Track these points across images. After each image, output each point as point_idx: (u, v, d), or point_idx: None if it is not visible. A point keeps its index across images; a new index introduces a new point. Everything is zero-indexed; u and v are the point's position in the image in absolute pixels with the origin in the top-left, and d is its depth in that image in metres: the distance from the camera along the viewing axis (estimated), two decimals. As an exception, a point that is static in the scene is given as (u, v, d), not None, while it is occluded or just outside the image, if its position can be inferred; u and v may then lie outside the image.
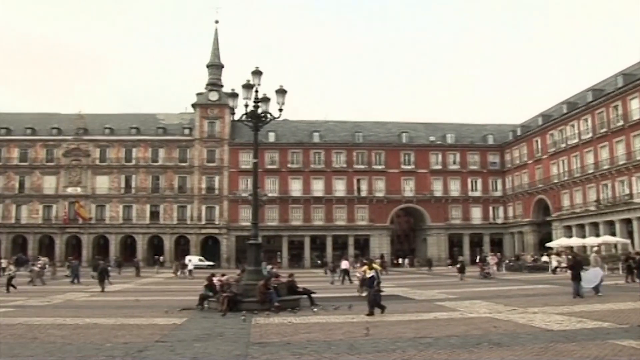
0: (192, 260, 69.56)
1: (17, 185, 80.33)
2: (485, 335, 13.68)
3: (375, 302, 18.87)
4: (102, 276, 34.52)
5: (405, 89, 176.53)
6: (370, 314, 18.37)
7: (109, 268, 39.41)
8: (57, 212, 79.44)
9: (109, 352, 11.95)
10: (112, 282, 37.14)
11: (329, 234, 78.43)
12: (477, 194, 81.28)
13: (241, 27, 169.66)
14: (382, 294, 19.76)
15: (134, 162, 80.00)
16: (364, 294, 27.18)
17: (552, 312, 18.23)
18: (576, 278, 23.80)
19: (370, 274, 19.87)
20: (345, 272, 38.59)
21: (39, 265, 42.27)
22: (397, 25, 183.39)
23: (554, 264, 47.74)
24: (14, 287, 31.29)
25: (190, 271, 50.97)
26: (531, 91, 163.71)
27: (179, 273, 50.63)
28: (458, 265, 43.45)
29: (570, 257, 34.08)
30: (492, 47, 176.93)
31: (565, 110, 67.11)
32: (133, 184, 79.78)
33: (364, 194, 79.20)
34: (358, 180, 79.72)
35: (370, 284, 19.42)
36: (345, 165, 79.59)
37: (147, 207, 79.51)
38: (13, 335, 14.80)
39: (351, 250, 75.87)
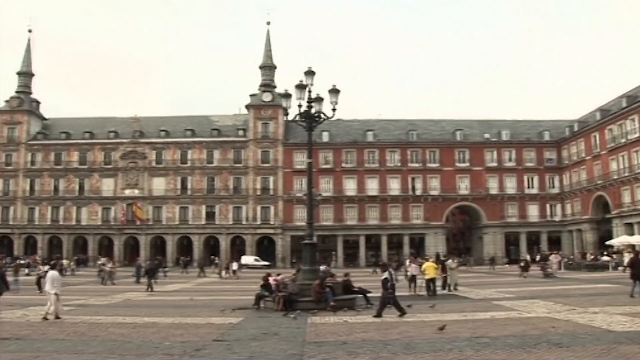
0: (247, 259, 70.42)
1: (77, 187, 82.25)
2: (544, 336, 13.44)
3: (393, 303, 18.62)
4: (150, 276, 35.22)
5: (459, 86, 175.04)
6: (378, 315, 18.11)
7: (162, 268, 40.02)
8: (116, 213, 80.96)
9: (167, 350, 12.12)
10: (157, 282, 37.67)
11: (384, 233, 78.04)
12: (534, 191, 79.84)
13: (293, 27, 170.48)
14: (396, 295, 19.37)
15: (189, 164, 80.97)
16: (422, 293, 27.10)
17: (614, 313, 17.75)
18: (636, 277, 23.12)
19: (384, 275, 19.66)
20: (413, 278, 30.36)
21: (109, 266, 42.99)
22: (450, 22, 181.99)
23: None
24: (40, 288, 31.55)
25: (234, 271, 51.06)
26: (588, 85, 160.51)
27: (223, 274, 50.56)
28: (522, 264, 42.80)
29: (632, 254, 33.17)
30: (546, 41, 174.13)
31: (624, 104, 65.52)
32: (189, 185, 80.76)
33: (418, 192, 78.64)
34: (412, 179, 79.16)
35: (383, 286, 19.08)
36: (399, 164, 79.14)
37: (203, 208, 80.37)
38: (76, 332, 15.17)
39: (406, 250, 75.33)
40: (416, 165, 79.11)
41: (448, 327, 14.84)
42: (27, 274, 44.94)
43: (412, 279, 28.95)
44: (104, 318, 18.34)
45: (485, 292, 28.00)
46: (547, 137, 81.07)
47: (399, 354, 11.49)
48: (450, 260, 30.00)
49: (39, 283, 31.70)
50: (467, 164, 79.17)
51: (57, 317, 18.05)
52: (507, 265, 61.84)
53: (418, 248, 76.29)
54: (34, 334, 14.82)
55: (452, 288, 29.21)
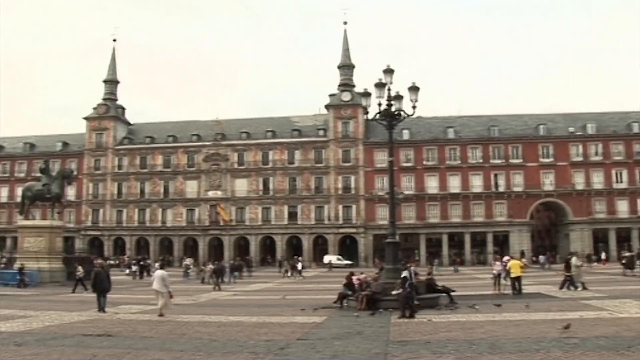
0: (330, 258, 70.37)
1: (162, 190, 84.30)
2: (638, 337, 12.87)
3: (407, 303, 18.30)
4: (218, 276, 35.94)
5: (541, 79, 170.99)
6: (403, 316, 17.85)
7: (248, 268, 40.50)
8: (200, 215, 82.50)
9: (252, 349, 12.26)
10: (237, 282, 38.20)
11: (467, 230, 76.99)
12: (623, 186, 76.96)
13: (370, 26, 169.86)
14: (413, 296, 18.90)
15: (271, 165, 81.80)
16: (506, 291, 26.62)
17: None
18: None
19: (403, 274, 19.29)
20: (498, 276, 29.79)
21: (209, 267, 43.82)
22: (531, 13, 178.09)
23: None
24: (85, 287, 31.84)
25: (300, 272, 50.91)
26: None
27: (289, 274, 50.28)
28: (624, 261, 41.46)
29: None
30: (633, 29, 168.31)
31: None
32: (271, 186, 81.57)
33: (501, 189, 77.22)
34: (495, 175, 77.77)
35: (402, 285, 18.73)
36: (481, 160, 77.89)
37: (285, 208, 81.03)
38: (164, 331, 15.57)
39: (490, 248, 74.28)
40: (498, 161, 77.66)
41: (534, 326, 14.52)
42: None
43: (497, 278, 28.44)
44: (190, 317, 18.72)
45: (571, 291, 27.21)
46: (636, 129, 78.00)
47: (484, 354, 11.30)
48: (574, 259, 28.88)
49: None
50: (552, 159, 77.17)
51: (161, 315, 18.71)
52: (595, 263, 59.84)
53: (502, 246, 74.99)
54: (125, 331, 15.26)
55: (579, 287, 27.60)
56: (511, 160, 77.41)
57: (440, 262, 64.47)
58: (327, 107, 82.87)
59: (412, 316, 17.82)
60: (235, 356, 11.47)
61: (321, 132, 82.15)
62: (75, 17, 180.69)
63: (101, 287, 20.47)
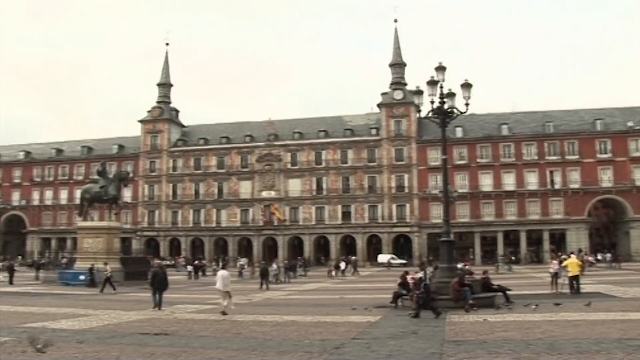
0: (384, 257, 70.08)
1: (216, 190, 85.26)
2: None
3: (425, 304, 18.19)
4: (263, 276, 36.52)
5: (597, 72, 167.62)
6: (416, 315, 17.79)
7: (304, 267, 40.66)
8: (254, 215, 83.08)
9: (307, 348, 12.27)
10: (271, 281, 38.42)
11: (523, 229, 75.78)
12: (687, 181, 74.96)
13: (420, 23, 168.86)
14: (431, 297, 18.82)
15: (323, 164, 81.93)
16: (564, 290, 26.16)
17: None
18: None
19: (419, 274, 19.06)
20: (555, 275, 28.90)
21: (275, 266, 44.19)
22: (584, 7, 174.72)
23: None
24: (113, 287, 32.40)
25: (343, 271, 50.66)
26: None
27: (333, 274, 49.72)
28: None
29: None
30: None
31: None
32: (324, 186, 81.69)
33: (557, 186, 75.82)
34: (551, 172, 76.37)
35: (416, 286, 18.73)
36: (536, 157, 76.54)
37: (339, 208, 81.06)
38: (219, 330, 15.69)
39: (546, 246, 73.08)
40: (554, 157, 76.25)
41: (594, 327, 14.22)
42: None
43: (554, 277, 27.96)
44: (245, 316, 18.84)
45: (634, 290, 26.58)
46: (699, 122, 75.92)
47: (542, 355, 11.06)
48: None
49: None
50: (609, 155, 75.38)
51: (224, 314, 18.99)
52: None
53: (559, 244, 73.61)
54: (181, 330, 15.43)
55: None
56: (567, 157, 75.91)
57: (509, 260, 63.39)
58: (379, 105, 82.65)
59: (418, 312, 17.97)
60: (289, 355, 11.49)
61: (374, 131, 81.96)
62: (129, 23, 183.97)
63: (158, 286, 21.38)
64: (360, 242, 79.30)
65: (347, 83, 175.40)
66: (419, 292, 18.61)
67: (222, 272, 20.45)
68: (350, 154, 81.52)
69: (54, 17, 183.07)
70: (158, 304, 21.15)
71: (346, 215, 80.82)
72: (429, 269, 19.55)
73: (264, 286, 35.20)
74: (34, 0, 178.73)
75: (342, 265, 52.97)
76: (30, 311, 19.82)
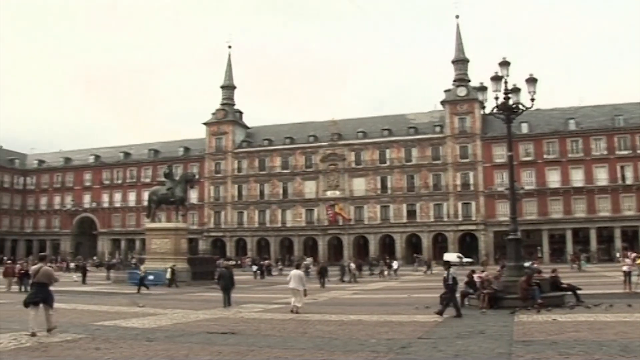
0: (450, 256, 69.27)
1: (281, 191, 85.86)
2: None
3: (449, 302, 18.09)
4: (322, 275, 37.15)
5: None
6: (439, 313, 17.78)
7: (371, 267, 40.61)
8: (319, 215, 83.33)
9: (373, 347, 12.19)
10: (330, 280, 38.49)
11: (592, 226, 73.76)
12: None
13: (482, 18, 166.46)
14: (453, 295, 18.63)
15: (388, 163, 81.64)
16: (638, 290, 25.42)
17: None
18: None
19: (444, 273, 18.77)
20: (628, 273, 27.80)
21: (352, 266, 44.28)
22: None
23: None
24: (147, 287, 32.62)
25: (395, 271, 49.75)
26: None
27: (385, 273, 48.89)
28: None
29: None
30: None
31: None
32: (389, 185, 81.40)
33: (629, 181, 73.56)
34: (622, 167, 74.12)
35: (444, 284, 18.50)
36: (606, 152, 74.42)
37: (404, 207, 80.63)
38: (285, 329, 15.73)
39: (618, 243, 71.11)
40: (625, 152, 73.96)
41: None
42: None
43: (627, 275, 27.13)
44: (311, 316, 18.86)
45: None
46: None
47: (615, 357, 10.70)
48: None
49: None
50: (685, 148, 73.00)
51: (297, 312, 19.25)
52: None
53: (632, 241, 71.50)
54: (248, 330, 15.54)
55: None
56: (639, 151, 73.84)
57: (588, 257, 61.96)
58: (442, 103, 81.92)
59: (441, 311, 17.90)
60: (356, 355, 11.44)
61: (437, 129, 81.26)
62: (192, 27, 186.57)
63: (225, 285, 22.63)
64: (426, 241, 78.74)
65: (410, 81, 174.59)
66: (443, 292, 18.64)
67: (295, 272, 20.73)
68: (415, 152, 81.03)
69: (119, 24, 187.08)
70: (227, 303, 22.13)
71: (411, 213, 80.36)
72: (452, 269, 19.28)
73: (322, 286, 35.61)
74: (100, 8, 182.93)
75: (395, 264, 52.08)
76: (103, 310, 20.28)
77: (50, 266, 16.22)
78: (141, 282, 32.57)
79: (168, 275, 36.17)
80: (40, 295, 14.05)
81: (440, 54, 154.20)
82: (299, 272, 20.85)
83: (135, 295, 29.24)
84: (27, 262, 54.43)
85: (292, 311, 19.41)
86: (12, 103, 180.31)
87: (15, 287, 31.57)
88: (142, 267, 36.24)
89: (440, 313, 17.93)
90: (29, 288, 30.10)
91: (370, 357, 11.12)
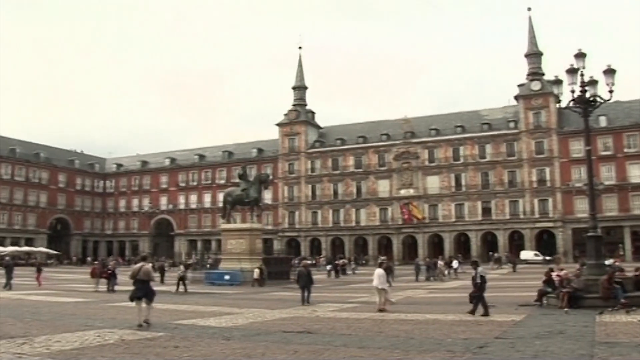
0: (527, 254, 68.00)
1: (354, 190, 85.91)
2: None
3: (479, 300, 18.07)
4: (388, 274, 36.36)
5: None
6: (471, 312, 17.94)
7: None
8: (393, 213, 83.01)
9: (449, 347, 12.06)
10: (397, 279, 38.27)
11: (678, 222, 71.42)
12: None
13: (555, 9, 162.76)
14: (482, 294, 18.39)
15: (462, 160, 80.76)
16: None
17: None
18: None
19: (473, 272, 18.57)
20: None
21: (440, 263, 44.07)
22: None
23: None
24: (185, 286, 32.43)
25: (455, 270, 47.68)
26: None
27: (445, 272, 46.41)
28: None
29: None
30: None
31: None
32: (463, 182, 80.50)
33: None
34: None
35: (473, 282, 18.38)
36: (690, 144, 72.04)
37: (479, 204, 79.63)
38: (361, 328, 15.69)
39: None
40: None
41: None
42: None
43: None
44: (387, 315, 18.78)
45: None
46: None
47: None
48: None
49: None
50: None
51: (381, 310, 19.36)
52: None
53: None
54: (324, 329, 15.57)
55: None
56: None
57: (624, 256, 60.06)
58: (516, 97, 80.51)
59: (472, 311, 18.07)
60: (432, 354, 11.33)
61: (512, 124, 79.85)
62: (262, 30, 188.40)
63: (304, 284, 23.44)
64: (502, 239, 77.48)
65: (483, 76, 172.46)
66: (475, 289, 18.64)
67: (378, 271, 20.72)
68: (489, 148, 79.87)
69: (192, 30, 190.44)
70: (306, 300, 23.00)
71: (486, 211, 79.24)
72: (480, 268, 18.91)
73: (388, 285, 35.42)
74: (173, 14, 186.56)
75: (455, 264, 49.56)
76: (181, 309, 20.64)
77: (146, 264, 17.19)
78: (181, 281, 32.45)
79: (256, 275, 36.58)
80: (142, 291, 16.12)
81: (512, 48, 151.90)
82: (381, 270, 20.82)
83: (174, 294, 29.92)
84: (118, 262, 56.19)
85: (379, 310, 19.51)
86: (91, 110, 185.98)
87: (102, 287, 32.26)
88: (181, 266, 36.64)
89: (472, 312, 17.98)
90: (115, 287, 31.29)
91: (446, 357, 11.00)
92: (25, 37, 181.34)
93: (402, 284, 37.69)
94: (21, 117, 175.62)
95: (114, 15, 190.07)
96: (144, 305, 16.10)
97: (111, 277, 31.91)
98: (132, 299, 16.35)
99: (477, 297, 18.34)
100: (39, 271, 38.22)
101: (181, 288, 31.80)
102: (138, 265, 16.83)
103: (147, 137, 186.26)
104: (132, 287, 16.59)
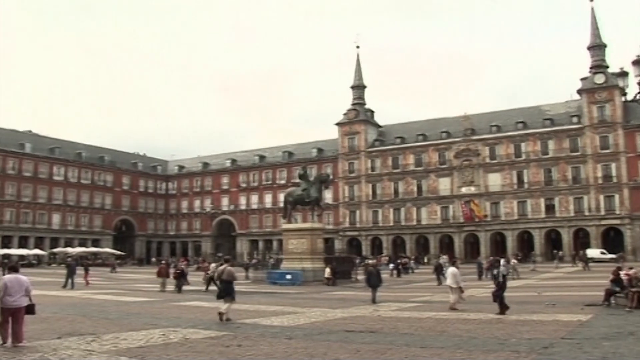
0: (592, 252, 66.37)
1: (415, 188, 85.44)
2: None
3: (502, 298, 18.23)
4: (439, 272, 37.51)
5: None
6: (500, 312, 18.05)
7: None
8: (454, 211, 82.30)
9: (513, 347, 11.89)
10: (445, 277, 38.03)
11: None
12: None
13: (618, 1, 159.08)
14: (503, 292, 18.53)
15: (523, 157, 79.41)
16: None
17: None
18: None
19: (494, 271, 18.62)
20: None
21: (514, 261, 43.74)
22: None
23: None
24: (217, 286, 32.10)
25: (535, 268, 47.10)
26: None
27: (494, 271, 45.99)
28: None
29: None
30: None
31: None
32: (525, 179, 79.19)
33: None
34: None
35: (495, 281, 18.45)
36: None
37: (542, 201, 78.15)
38: (423, 327, 15.62)
39: None
40: None
41: None
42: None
43: None
44: (449, 314, 18.65)
45: None
46: None
47: None
48: None
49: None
50: None
51: (454, 309, 19.40)
52: None
53: None
54: (386, 328, 15.55)
55: None
56: None
57: None
58: (579, 92, 78.68)
59: (502, 313, 18.03)
60: (496, 354, 11.19)
61: (575, 119, 78.05)
62: (319, 30, 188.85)
63: (373, 283, 23.98)
64: (566, 237, 75.85)
65: (543, 71, 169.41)
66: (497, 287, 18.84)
67: (452, 269, 20.83)
68: (551, 144, 78.33)
69: (250, 32, 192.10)
70: (373, 299, 23.11)
71: (550, 208, 77.70)
72: (503, 268, 18.64)
73: (439, 283, 35.89)
74: (231, 18, 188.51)
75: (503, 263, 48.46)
76: (243, 308, 20.82)
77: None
78: (211, 282, 31.28)
79: (327, 274, 36.85)
80: (227, 290, 17.52)
81: (574, 41, 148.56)
82: (454, 269, 20.86)
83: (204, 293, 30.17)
84: (188, 262, 57.10)
85: (450, 309, 19.60)
86: (153, 113, 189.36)
87: (169, 287, 32.64)
88: (211, 266, 36.78)
89: (502, 313, 17.98)
90: (183, 287, 31.72)
91: (511, 357, 10.84)
92: (89, 44, 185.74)
93: (464, 282, 37.35)
94: (86, 122, 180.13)
95: (176, 20, 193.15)
96: (229, 303, 17.31)
97: (180, 277, 32.23)
98: (218, 298, 17.79)
99: (499, 295, 18.55)
100: (86, 271, 39.20)
101: (212, 287, 31.18)
102: (222, 267, 18.57)
103: (208, 139, 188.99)
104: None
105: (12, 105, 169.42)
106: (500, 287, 18.59)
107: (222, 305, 17.30)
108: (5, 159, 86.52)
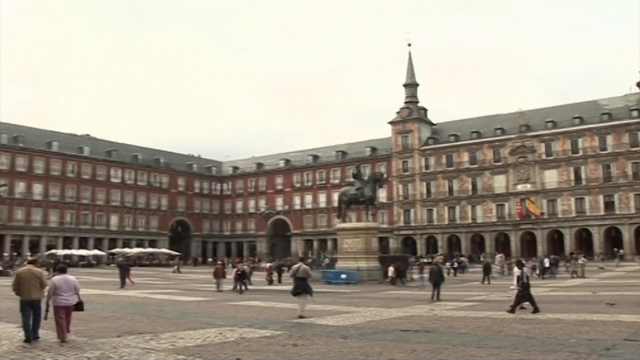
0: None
1: (470, 186, 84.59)
2: None
3: (529, 299, 18.61)
4: (487, 271, 38.16)
5: None
6: (535, 310, 18.12)
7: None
8: (510, 209, 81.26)
9: (573, 348, 11.65)
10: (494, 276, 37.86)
11: None
12: None
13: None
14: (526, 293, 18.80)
15: (581, 153, 77.78)
16: None
17: None
18: None
19: (516, 273, 19.15)
20: None
21: (582, 260, 43.38)
22: None
23: None
24: (245, 285, 32.14)
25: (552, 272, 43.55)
26: None
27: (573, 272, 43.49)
28: None
29: None
30: None
31: None
32: (583, 175, 77.57)
33: None
34: None
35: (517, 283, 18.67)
36: None
37: (600, 198, 76.41)
38: (480, 327, 15.48)
39: None
40: None
41: None
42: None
43: None
44: (505, 314, 18.39)
45: None
46: None
47: None
48: None
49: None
50: None
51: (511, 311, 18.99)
52: None
53: None
54: (442, 327, 15.47)
55: None
56: None
57: None
58: (638, 84, 76.87)
59: (512, 311, 18.33)
60: (555, 355, 10.99)
61: (634, 113, 76.01)
62: (371, 29, 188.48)
63: (436, 280, 24.62)
64: (627, 234, 73.87)
65: (599, 64, 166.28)
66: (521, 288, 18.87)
67: (516, 270, 20.46)
68: (610, 139, 76.49)
69: (302, 32, 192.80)
70: (437, 296, 24.07)
71: (609, 205, 75.91)
72: (526, 268, 18.30)
73: (486, 282, 36.76)
74: (283, 19, 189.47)
75: (547, 262, 44.91)
76: (298, 308, 20.95)
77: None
78: (239, 279, 32.04)
79: (391, 273, 36.91)
80: (301, 287, 18.53)
81: (630, 34, 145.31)
82: (516, 269, 20.60)
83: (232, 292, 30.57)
84: (254, 261, 57.68)
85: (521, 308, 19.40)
86: (207, 115, 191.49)
87: (227, 287, 32.84)
88: (244, 265, 36.71)
89: (536, 311, 18.12)
90: (244, 287, 31.96)
91: (570, 358, 10.64)
92: (143, 49, 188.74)
93: (537, 281, 36.90)
94: (141, 125, 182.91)
95: (230, 22, 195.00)
96: (304, 299, 18.39)
97: (241, 278, 32.30)
98: (294, 294, 18.72)
99: (526, 295, 18.67)
100: (127, 271, 39.65)
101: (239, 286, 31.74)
102: (296, 265, 19.56)
103: (262, 140, 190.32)
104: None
105: (71, 111, 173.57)
106: (525, 287, 18.73)
107: (299, 300, 18.35)
108: (65, 162, 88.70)
